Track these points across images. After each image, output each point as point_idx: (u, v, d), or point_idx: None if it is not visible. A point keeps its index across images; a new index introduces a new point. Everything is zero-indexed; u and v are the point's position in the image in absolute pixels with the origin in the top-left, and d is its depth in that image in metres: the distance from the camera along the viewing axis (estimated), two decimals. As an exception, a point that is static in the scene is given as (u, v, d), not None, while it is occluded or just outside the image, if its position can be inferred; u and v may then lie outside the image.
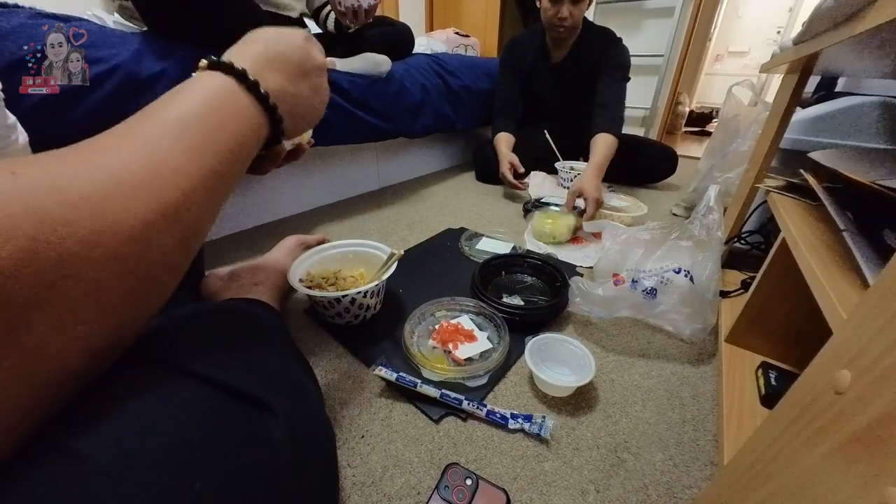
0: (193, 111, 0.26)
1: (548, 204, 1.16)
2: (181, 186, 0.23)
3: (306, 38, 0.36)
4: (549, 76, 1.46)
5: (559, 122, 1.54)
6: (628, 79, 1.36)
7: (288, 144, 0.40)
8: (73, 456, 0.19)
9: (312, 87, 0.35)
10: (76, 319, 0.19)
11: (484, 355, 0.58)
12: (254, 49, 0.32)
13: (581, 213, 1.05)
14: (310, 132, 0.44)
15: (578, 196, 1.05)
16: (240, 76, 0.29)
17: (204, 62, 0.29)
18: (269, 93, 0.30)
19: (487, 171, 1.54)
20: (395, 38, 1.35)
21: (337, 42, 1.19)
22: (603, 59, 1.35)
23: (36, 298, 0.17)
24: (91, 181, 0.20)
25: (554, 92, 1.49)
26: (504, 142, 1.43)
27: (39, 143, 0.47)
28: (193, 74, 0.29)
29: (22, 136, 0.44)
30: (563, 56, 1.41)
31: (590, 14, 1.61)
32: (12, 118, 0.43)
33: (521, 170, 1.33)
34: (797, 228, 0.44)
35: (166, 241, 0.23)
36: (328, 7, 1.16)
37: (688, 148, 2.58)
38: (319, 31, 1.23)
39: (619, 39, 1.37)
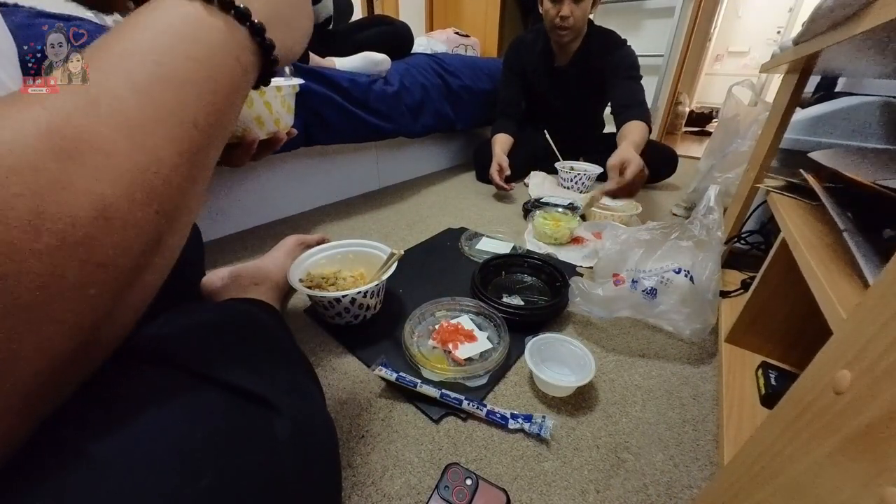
0: (156, 43, 0.20)
1: (548, 204, 1.16)
2: (148, 147, 0.19)
3: None
4: (552, 79, 1.46)
5: (560, 124, 1.54)
6: (641, 77, 1.34)
7: (262, 133, 0.36)
8: (82, 456, 0.19)
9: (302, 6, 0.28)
10: (29, 321, 0.16)
11: (484, 355, 0.58)
12: None
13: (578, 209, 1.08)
14: (289, 120, 0.40)
15: (621, 168, 1.01)
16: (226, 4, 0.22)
17: None
18: (251, 9, 0.23)
19: (487, 171, 1.54)
20: (394, 38, 1.35)
21: (337, 41, 1.20)
22: (610, 63, 1.32)
23: None
24: (30, 147, 0.16)
25: (556, 94, 1.49)
26: (500, 143, 1.42)
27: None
28: None
29: None
30: (567, 61, 1.39)
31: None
32: None
33: (508, 172, 1.33)
34: (797, 228, 0.45)
35: (136, 219, 0.19)
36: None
37: (688, 148, 2.58)
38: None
39: (625, 41, 1.34)
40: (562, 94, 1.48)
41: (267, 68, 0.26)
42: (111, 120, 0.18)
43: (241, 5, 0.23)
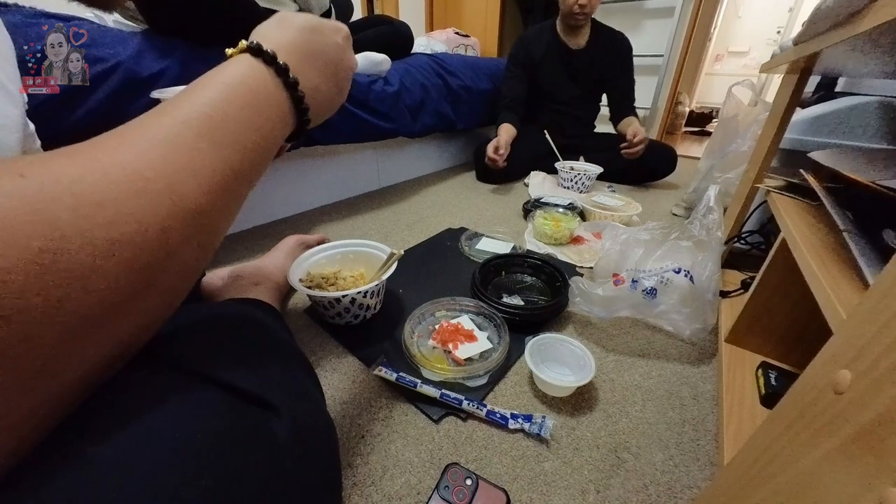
0: (224, 105, 0.24)
1: (548, 204, 1.16)
2: (203, 190, 0.22)
3: (346, 36, 0.34)
4: (564, 63, 1.52)
5: (564, 114, 1.58)
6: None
7: None
8: (81, 458, 0.19)
9: (339, 89, 0.34)
10: (85, 334, 0.18)
11: (484, 355, 0.58)
12: (291, 38, 0.29)
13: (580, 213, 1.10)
14: None
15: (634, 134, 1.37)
16: (281, 71, 0.27)
17: (243, 43, 0.27)
18: (305, 92, 0.28)
19: (487, 171, 1.54)
20: (394, 37, 1.35)
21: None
22: (618, 59, 1.50)
23: (43, 314, 0.16)
24: (107, 185, 0.18)
25: (566, 79, 1.54)
26: (505, 130, 1.47)
27: (41, 144, 0.47)
28: (227, 52, 0.27)
29: (37, 141, 0.44)
30: (582, 43, 1.48)
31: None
32: (32, 126, 0.43)
33: (501, 150, 1.38)
34: (797, 228, 0.44)
35: (185, 249, 0.21)
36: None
37: (688, 148, 2.58)
38: None
39: (626, 39, 1.50)
40: (571, 79, 1.53)
41: (293, 137, 0.31)
42: (187, 169, 0.21)
43: (300, 91, 0.28)
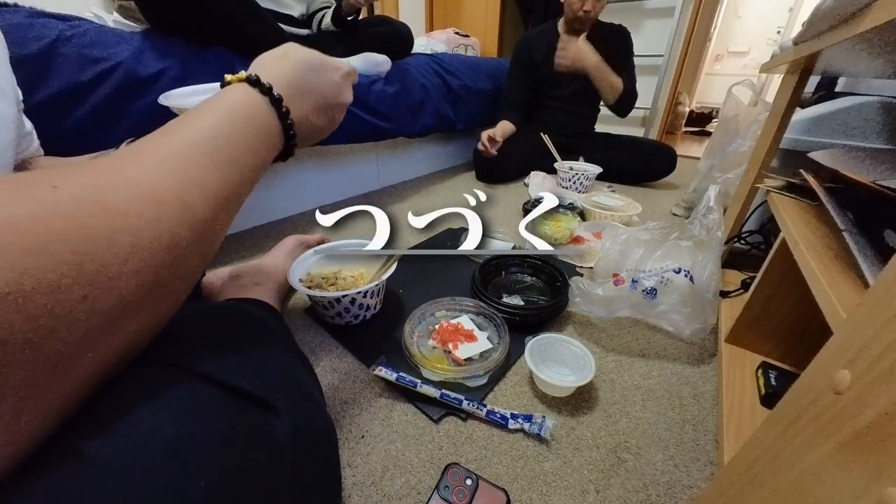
0: (226, 128, 0.27)
1: (548, 204, 1.16)
2: (209, 204, 0.25)
3: (345, 74, 0.37)
4: None
5: (565, 110, 1.59)
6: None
7: None
8: (80, 456, 0.19)
9: (331, 121, 0.38)
10: (102, 331, 0.20)
11: (484, 355, 0.58)
12: (290, 71, 0.33)
13: (580, 213, 1.10)
14: None
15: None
16: (275, 102, 0.30)
17: (243, 73, 0.31)
18: (295, 121, 0.32)
19: (487, 171, 1.54)
20: (394, 38, 1.35)
21: (337, 41, 1.20)
22: (619, 48, 1.49)
23: (69, 311, 0.18)
24: (130, 197, 0.21)
25: (566, 77, 1.53)
26: (501, 125, 1.50)
27: (41, 144, 0.47)
28: (227, 77, 0.31)
29: (35, 140, 0.45)
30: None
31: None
32: (29, 125, 0.43)
33: (498, 139, 1.44)
34: (797, 228, 0.44)
35: (190, 255, 0.24)
36: (322, 11, 1.17)
37: (688, 148, 2.58)
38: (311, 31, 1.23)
39: (626, 29, 1.50)
40: (572, 77, 1.52)
41: (278, 159, 0.35)
42: (196, 184, 0.24)
43: (290, 120, 0.32)
